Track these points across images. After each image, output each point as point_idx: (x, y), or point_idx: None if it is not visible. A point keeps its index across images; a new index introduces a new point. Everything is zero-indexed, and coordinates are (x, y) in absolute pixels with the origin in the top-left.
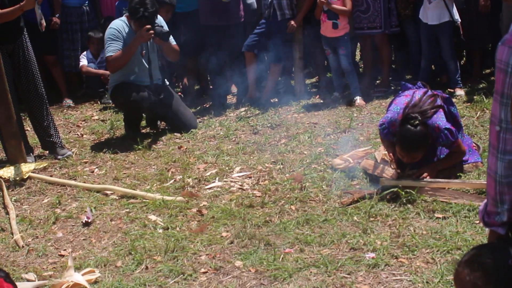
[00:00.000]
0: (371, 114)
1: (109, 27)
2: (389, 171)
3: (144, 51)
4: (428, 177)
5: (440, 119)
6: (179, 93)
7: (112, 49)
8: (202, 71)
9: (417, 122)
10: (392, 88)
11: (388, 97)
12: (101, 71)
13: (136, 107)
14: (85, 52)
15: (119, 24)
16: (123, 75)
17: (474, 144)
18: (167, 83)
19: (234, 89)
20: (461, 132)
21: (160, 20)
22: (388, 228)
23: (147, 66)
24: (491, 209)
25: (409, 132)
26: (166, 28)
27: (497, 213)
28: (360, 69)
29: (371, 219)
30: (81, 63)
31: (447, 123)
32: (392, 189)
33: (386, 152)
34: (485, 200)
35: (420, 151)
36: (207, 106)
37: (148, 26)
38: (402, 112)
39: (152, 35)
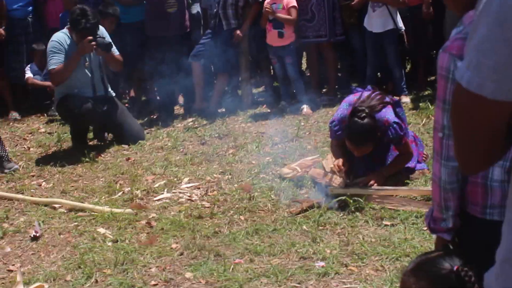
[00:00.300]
0: (318, 122)
1: (50, 39)
2: (337, 180)
3: (87, 63)
4: (375, 184)
5: (389, 114)
6: (126, 104)
7: (55, 62)
8: (148, 82)
9: (364, 114)
10: (339, 96)
11: (335, 105)
12: (47, 83)
13: (81, 120)
14: (30, 65)
15: (61, 37)
16: (67, 87)
17: (424, 153)
18: (113, 94)
19: (181, 99)
20: (417, 140)
21: (102, 31)
22: (337, 237)
23: (90, 77)
24: (437, 215)
25: (356, 124)
26: (108, 39)
27: (443, 219)
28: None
29: (320, 227)
30: (26, 75)
31: (395, 118)
32: (340, 197)
33: (334, 162)
34: (431, 206)
35: (368, 144)
36: (154, 117)
37: (90, 38)
38: (352, 108)
39: (94, 46)
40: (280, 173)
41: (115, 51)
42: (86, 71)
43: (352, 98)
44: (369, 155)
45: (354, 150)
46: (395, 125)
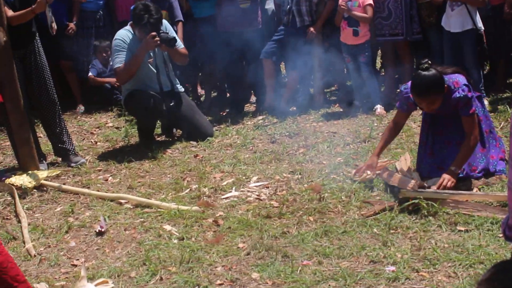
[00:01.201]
0: None
1: (114, 38)
2: (411, 183)
3: (151, 59)
4: (450, 181)
5: (460, 78)
6: (195, 101)
7: (119, 60)
8: (219, 78)
9: (427, 65)
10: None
11: None
12: (107, 79)
13: (148, 115)
14: (93, 62)
15: (124, 34)
16: (134, 83)
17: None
18: (181, 89)
19: (252, 97)
20: (499, 140)
21: (165, 25)
22: (409, 241)
23: (155, 73)
24: None
25: (419, 75)
26: (172, 33)
27: None
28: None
29: (392, 231)
30: (89, 73)
31: (466, 82)
32: (413, 201)
33: (406, 161)
34: (508, 213)
35: (433, 96)
36: (224, 114)
37: (153, 34)
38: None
39: (158, 42)
40: (352, 174)
41: (179, 45)
42: (151, 67)
43: None
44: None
45: (421, 103)
46: (464, 87)
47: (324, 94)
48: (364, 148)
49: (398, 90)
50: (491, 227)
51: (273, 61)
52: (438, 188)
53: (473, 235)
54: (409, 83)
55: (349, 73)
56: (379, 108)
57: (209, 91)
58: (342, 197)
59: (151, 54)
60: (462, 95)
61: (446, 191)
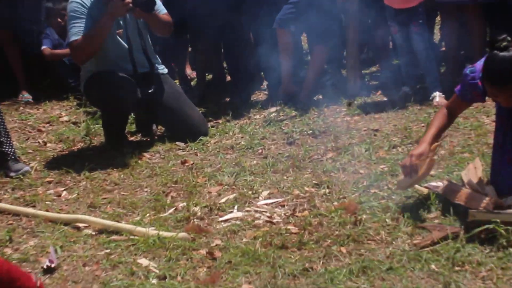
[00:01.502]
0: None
1: (69, 1)
2: (483, 201)
3: (121, 30)
4: None
5: None
6: (184, 86)
7: (76, 31)
8: (215, 55)
9: (507, 43)
10: None
11: None
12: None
13: (118, 105)
14: (46, 31)
15: None
16: (97, 64)
17: None
18: (165, 71)
19: (263, 83)
20: None
21: None
22: (481, 282)
23: (127, 49)
24: None
25: (496, 57)
26: None
27: None
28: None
29: (457, 268)
30: (43, 46)
31: None
32: (486, 226)
33: (476, 170)
34: None
35: None
36: (223, 104)
37: None
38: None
39: (130, 5)
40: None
41: (160, 9)
42: (121, 40)
43: None
44: None
45: (497, 96)
46: None
47: (362, 77)
48: None
49: (464, 71)
50: None
51: (291, 31)
52: None
53: None
54: (478, 65)
55: (396, 48)
56: (438, 97)
57: (203, 72)
58: (387, 220)
59: (121, 22)
60: None
61: None
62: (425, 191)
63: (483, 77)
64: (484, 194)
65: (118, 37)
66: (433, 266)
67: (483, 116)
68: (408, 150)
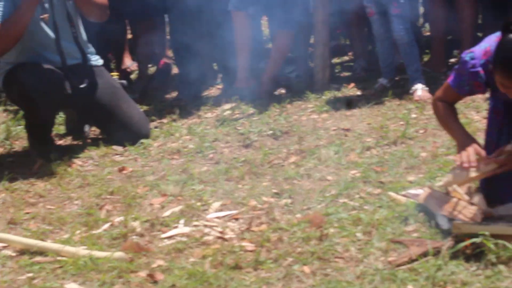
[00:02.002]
0: None
1: None
2: (469, 210)
3: (47, 14)
4: None
5: None
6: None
7: None
8: (160, 43)
9: None
10: None
11: None
12: None
13: (43, 103)
14: None
15: None
16: (18, 54)
17: None
18: (100, 63)
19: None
20: None
21: None
22: None
23: (54, 37)
24: None
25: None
26: None
27: None
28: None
29: None
30: None
31: None
32: (473, 240)
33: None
34: None
35: None
36: (169, 100)
37: None
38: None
39: None
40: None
41: None
42: (46, 27)
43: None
44: None
45: (509, 86)
46: None
47: (332, 68)
48: (395, 154)
49: (455, 60)
50: None
51: (249, 14)
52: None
53: None
54: (477, 50)
55: (372, 32)
56: (419, 90)
57: (145, 64)
58: (358, 235)
59: (46, 6)
60: None
61: None
62: (403, 199)
63: (495, 65)
64: (472, 203)
65: (43, 23)
66: (410, 287)
67: (472, 112)
68: (384, 152)
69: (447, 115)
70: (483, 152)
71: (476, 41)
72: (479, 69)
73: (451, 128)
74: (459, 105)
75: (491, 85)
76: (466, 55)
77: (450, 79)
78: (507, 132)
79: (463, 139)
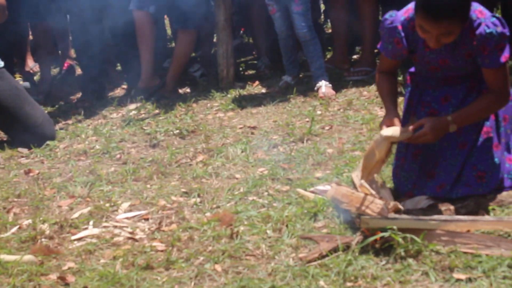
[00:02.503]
0: (344, 110)
1: None
2: (377, 205)
3: None
4: (427, 136)
5: (485, 9)
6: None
7: None
8: (62, 42)
9: None
10: None
11: (372, 82)
12: None
13: None
14: None
15: None
16: None
17: None
18: (1, 64)
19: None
20: None
21: None
22: None
23: None
24: None
25: None
26: None
27: None
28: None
29: (348, 284)
30: None
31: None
32: (382, 234)
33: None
34: None
35: (455, 20)
36: (74, 101)
37: None
38: None
39: None
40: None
41: None
42: None
43: None
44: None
45: (427, 32)
46: (495, 20)
47: (236, 66)
48: (301, 151)
49: (357, 57)
50: (509, 273)
51: (151, 13)
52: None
53: (479, 286)
54: (399, 12)
55: (274, 30)
56: (324, 86)
57: (48, 65)
58: (268, 232)
59: None
60: (493, 31)
61: (434, 216)
62: (311, 196)
63: (416, 8)
64: (379, 198)
65: None
66: (321, 283)
67: (376, 108)
68: (291, 149)
69: (380, 88)
70: (398, 124)
71: (378, 37)
72: (397, 24)
73: (383, 101)
74: (363, 101)
75: (411, 45)
76: (387, 14)
77: (379, 45)
78: (420, 110)
79: (388, 113)
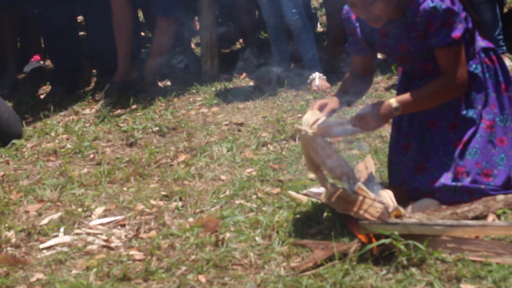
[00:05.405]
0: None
1: None
2: (376, 208)
3: None
4: (363, 122)
5: None
6: None
7: None
8: (29, 31)
9: None
10: (380, 58)
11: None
12: None
13: None
14: None
15: None
16: None
17: None
18: None
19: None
20: None
21: None
22: None
23: None
24: None
25: None
26: None
27: None
28: (320, 26)
29: None
30: None
31: None
32: (382, 241)
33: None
34: None
35: None
36: (42, 96)
37: None
38: None
39: None
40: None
41: None
42: None
43: None
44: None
45: (355, 2)
46: None
47: (221, 57)
48: (293, 150)
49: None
50: None
51: (128, 0)
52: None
53: None
54: None
55: (262, 18)
56: (317, 79)
57: (13, 59)
58: (257, 239)
59: None
60: (437, 5)
61: (439, 221)
62: (304, 199)
63: None
64: (379, 201)
65: None
66: None
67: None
68: (281, 147)
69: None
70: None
71: None
72: (351, 14)
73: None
74: None
75: (369, 37)
76: (346, 12)
77: (347, 42)
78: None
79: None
